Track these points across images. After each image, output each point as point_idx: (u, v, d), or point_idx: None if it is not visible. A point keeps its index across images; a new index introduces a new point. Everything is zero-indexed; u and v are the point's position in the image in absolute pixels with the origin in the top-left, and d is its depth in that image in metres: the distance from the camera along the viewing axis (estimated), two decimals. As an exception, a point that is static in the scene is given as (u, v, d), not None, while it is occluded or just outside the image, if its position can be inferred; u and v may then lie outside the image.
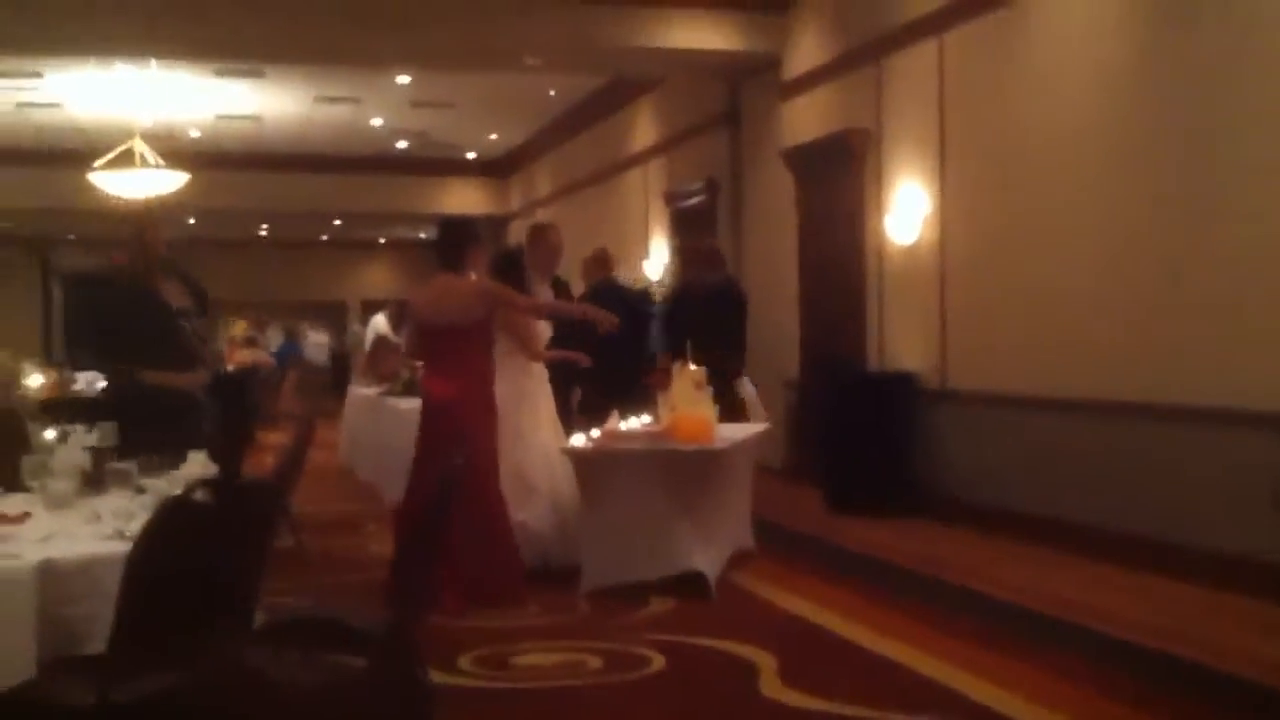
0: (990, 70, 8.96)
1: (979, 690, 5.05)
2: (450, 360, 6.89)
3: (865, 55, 10.50)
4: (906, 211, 9.91)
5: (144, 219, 7.23)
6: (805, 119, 11.64)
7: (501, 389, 7.11)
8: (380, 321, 16.36)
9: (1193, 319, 7.02)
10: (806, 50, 11.60)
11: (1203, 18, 7.07)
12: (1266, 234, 6.53)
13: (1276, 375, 6.39)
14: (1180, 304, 7.12)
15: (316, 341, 24.06)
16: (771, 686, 5.20)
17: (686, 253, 13.13)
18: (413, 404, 8.68)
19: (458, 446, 6.12)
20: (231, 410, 10.93)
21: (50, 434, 5.27)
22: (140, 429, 5.24)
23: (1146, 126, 7.46)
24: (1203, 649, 5.57)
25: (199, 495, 3.62)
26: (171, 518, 3.41)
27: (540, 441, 7.49)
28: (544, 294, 7.84)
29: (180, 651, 3.36)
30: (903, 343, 10.06)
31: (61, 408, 8.36)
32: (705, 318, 9.25)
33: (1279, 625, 5.89)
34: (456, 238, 7.05)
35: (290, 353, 23.38)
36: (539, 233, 8.23)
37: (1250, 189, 6.67)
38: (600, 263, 9.71)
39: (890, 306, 10.21)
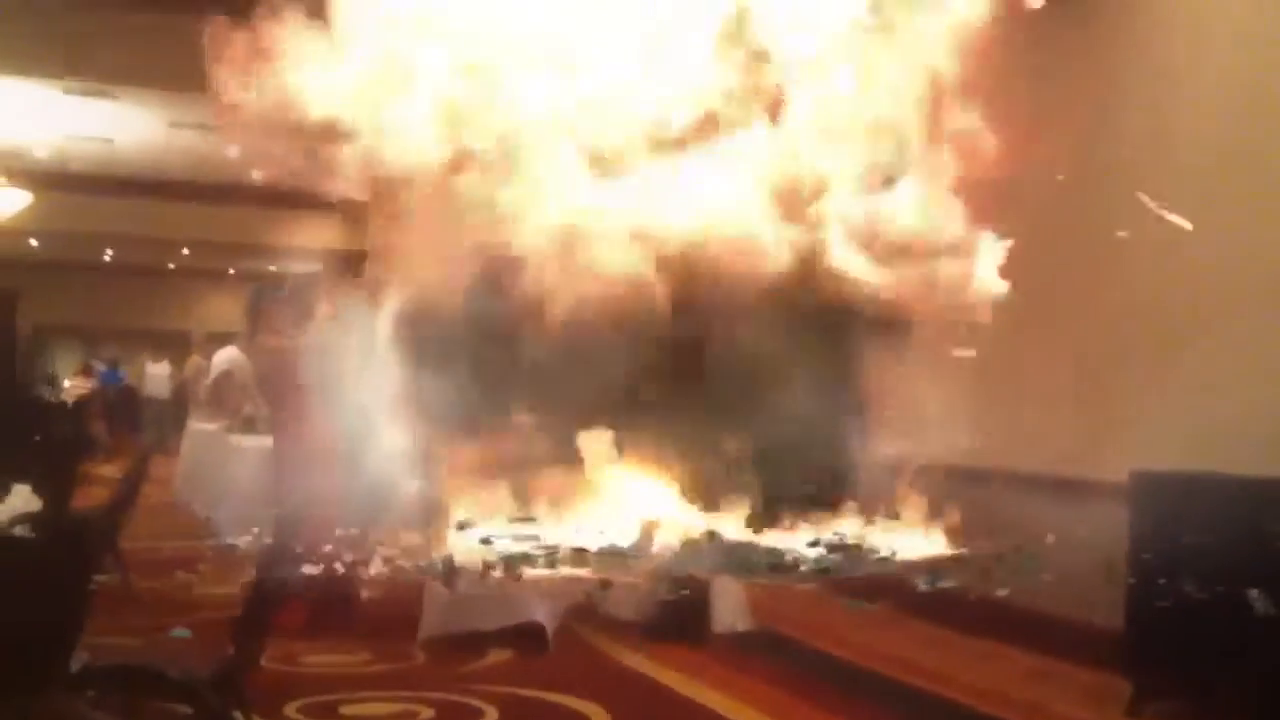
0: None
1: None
2: None
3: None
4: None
5: None
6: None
7: None
8: (231, 354, 15.82)
9: (1039, 387, 7.17)
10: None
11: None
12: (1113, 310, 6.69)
13: (1109, 446, 6.56)
14: (1029, 369, 7.26)
15: (157, 373, 23.34)
16: (602, 741, 5.18)
17: None
18: (255, 441, 8.55)
19: None
20: (64, 442, 10.60)
21: None
22: None
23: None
24: (1020, 711, 5.71)
25: (18, 530, 3.51)
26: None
27: None
28: None
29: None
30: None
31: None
32: None
33: (1098, 692, 6.03)
34: None
35: (111, 382, 22.84)
36: None
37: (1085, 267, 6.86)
38: None
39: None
